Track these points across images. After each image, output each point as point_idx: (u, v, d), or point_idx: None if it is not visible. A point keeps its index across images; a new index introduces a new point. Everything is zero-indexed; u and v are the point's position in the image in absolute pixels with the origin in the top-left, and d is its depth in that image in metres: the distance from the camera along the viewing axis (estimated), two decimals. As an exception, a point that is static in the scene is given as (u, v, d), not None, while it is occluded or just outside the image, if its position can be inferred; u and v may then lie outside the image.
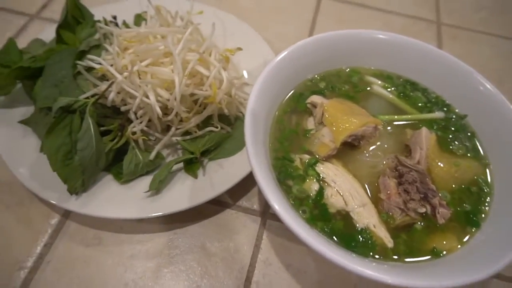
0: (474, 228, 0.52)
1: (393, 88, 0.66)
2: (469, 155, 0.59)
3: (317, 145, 0.57)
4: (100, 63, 0.64)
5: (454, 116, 0.63)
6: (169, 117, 0.61)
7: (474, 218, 0.53)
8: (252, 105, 0.53)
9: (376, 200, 0.53)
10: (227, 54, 0.67)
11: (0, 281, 0.56)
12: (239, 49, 0.69)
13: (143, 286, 0.57)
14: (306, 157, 0.56)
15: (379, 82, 0.66)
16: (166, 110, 0.62)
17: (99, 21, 0.73)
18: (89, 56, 0.64)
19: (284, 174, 0.54)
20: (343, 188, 0.53)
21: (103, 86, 0.63)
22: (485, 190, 0.55)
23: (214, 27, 0.68)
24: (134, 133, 0.62)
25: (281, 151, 0.57)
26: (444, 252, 0.49)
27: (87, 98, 0.63)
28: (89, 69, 0.66)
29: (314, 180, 0.54)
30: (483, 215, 0.53)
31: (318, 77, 0.65)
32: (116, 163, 0.63)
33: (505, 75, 0.91)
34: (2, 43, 0.80)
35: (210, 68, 0.64)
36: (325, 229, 0.50)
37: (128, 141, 0.63)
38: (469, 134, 0.61)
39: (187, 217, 0.63)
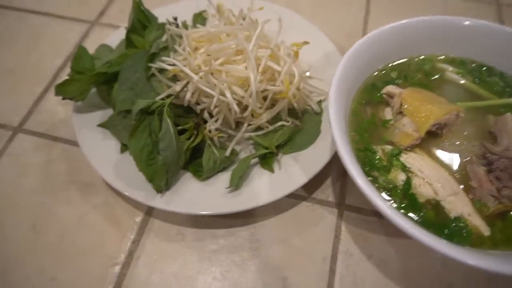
0: None
1: (467, 74, 0.64)
2: (557, 139, 0.57)
3: (398, 135, 0.57)
4: (173, 64, 0.65)
5: (537, 100, 0.61)
6: (245, 114, 0.62)
7: None
8: (333, 94, 0.53)
9: (466, 189, 0.52)
10: (296, 49, 0.67)
11: (97, 276, 0.59)
12: (306, 42, 0.69)
13: (231, 279, 0.59)
14: (388, 147, 0.56)
15: (452, 68, 0.65)
16: (240, 107, 0.63)
17: (164, 23, 0.74)
18: (163, 58, 0.66)
19: (369, 165, 0.54)
20: (431, 177, 0.52)
21: (178, 86, 0.64)
22: None
23: (281, 23, 0.68)
24: (210, 131, 0.64)
25: (362, 143, 0.57)
26: (544, 239, 0.48)
27: (163, 99, 0.64)
28: (161, 71, 0.67)
29: (400, 170, 0.54)
30: None
31: (390, 67, 0.65)
32: (192, 161, 0.65)
33: None
34: (68, 50, 0.83)
35: (280, 63, 0.64)
36: (417, 219, 0.50)
37: (204, 139, 0.65)
38: (554, 118, 0.59)
39: (265, 211, 0.64)
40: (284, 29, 0.82)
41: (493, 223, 0.50)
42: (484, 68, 0.65)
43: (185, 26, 0.79)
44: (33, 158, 0.72)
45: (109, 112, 0.70)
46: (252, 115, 0.66)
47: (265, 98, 0.67)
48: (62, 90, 0.66)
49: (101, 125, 0.68)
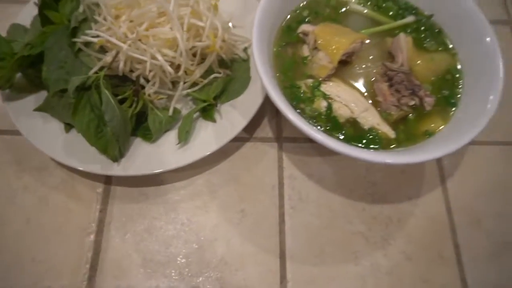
0: (453, 108, 0.64)
1: (367, 3, 0.73)
2: (440, 49, 0.69)
3: (316, 69, 0.65)
4: (98, 36, 0.66)
5: (422, 18, 0.72)
6: (179, 73, 0.67)
7: (452, 100, 0.65)
8: (255, 41, 0.59)
9: (375, 103, 0.63)
10: (214, 1, 0.70)
11: (74, 248, 0.64)
12: (222, -6, 0.72)
13: (197, 221, 0.67)
14: (310, 81, 0.64)
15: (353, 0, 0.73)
16: (173, 67, 0.67)
17: (77, -8, 0.73)
18: (86, 31, 0.66)
19: (296, 99, 0.63)
20: (347, 100, 0.62)
21: (108, 57, 0.66)
22: (457, 76, 0.67)
23: (194, -23, 0.70)
24: (149, 95, 0.68)
25: (287, 81, 0.65)
26: (432, 132, 0.62)
27: (96, 72, 0.66)
28: (87, 44, 0.68)
29: (322, 99, 0.63)
30: (458, 96, 0.65)
31: (301, 7, 0.71)
32: (139, 126, 0.69)
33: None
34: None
35: (203, 19, 0.68)
36: (339, 137, 0.61)
37: (146, 104, 0.68)
38: (436, 31, 0.71)
39: (215, 158, 0.72)
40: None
41: (397, 127, 0.62)
42: (380, -5, 0.74)
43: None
44: (-26, 155, 0.71)
45: (42, 94, 0.70)
46: (186, 72, 0.71)
47: (194, 55, 0.71)
48: (-14, 81, 0.64)
49: (38, 109, 0.68)
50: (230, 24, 0.79)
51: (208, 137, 0.69)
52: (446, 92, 0.65)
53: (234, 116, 0.71)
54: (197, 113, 0.71)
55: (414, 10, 0.72)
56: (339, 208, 0.70)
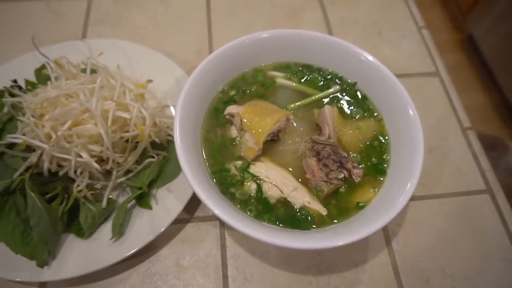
0: (382, 176, 0.65)
1: (294, 76, 0.75)
2: (365, 114, 0.71)
3: (244, 150, 0.65)
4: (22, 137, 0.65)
5: (347, 86, 0.74)
6: (108, 166, 0.66)
7: (380, 167, 0.66)
8: (178, 129, 0.60)
9: (304, 181, 0.64)
10: (141, 91, 0.71)
11: None
12: (150, 81, 0.73)
13: (138, 317, 0.64)
14: (239, 163, 0.65)
15: (281, 74, 0.75)
16: (99, 162, 0.66)
17: (2, 90, 0.72)
18: (9, 135, 0.65)
19: (225, 184, 0.63)
20: (276, 180, 0.63)
21: (33, 157, 0.65)
22: (383, 141, 0.68)
23: (120, 68, 0.71)
24: (80, 190, 0.66)
25: (217, 165, 0.65)
26: (364, 204, 0.62)
27: (22, 174, 0.65)
28: (11, 146, 0.67)
29: (251, 181, 0.63)
30: (386, 163, 0.66)
31: (228, 86, 0.73)
32: (73, 222, 0.67)
33: (383, 26, 1.05)
34: None
35: (130, 109, 0.68)
36: (272, 219, 0.60)
37: (77, 198, 0.67)
38: (360, 97, 0.73)
39: (155, 244, 0.70)
40: (134, 63, 0.85)
41: (329, 202, 0.62)
42: (305, 67, 0.76)
43: (31, 84, 0.78)
44: None
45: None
46: (120, 162, 0.70)
47: (128, 141, 0.71)
48: None
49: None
50: (169, 102, 0.80)
51: (144, 226, 0.67)
52: (375, 159, 0.67)
53: (170, 201, 0.70)
54: (133, 201, 0.70)
55: (339, 79, 0.75)
56: (285, 284, 0.68)
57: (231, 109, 0.68)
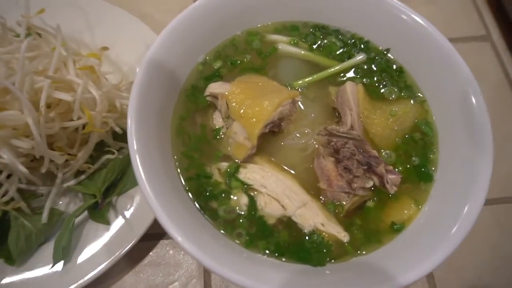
0: (428, 184, 0.46)
1: (302, 41, 0.55)
2: (402, 94, 0.51)
3: (232, 146, 0.46)
4: None
5: (376, 55, 0.53)
6: (43, 169, 0.48)
7: (424, 170, 0.47)
8: (133, 123, 0.41)
9: (317, 192, 0.45)
10: (92, 63, 0.51)
11: None
12: (105, 48, 0.54)
13: None
14: (224, 165, 0.46)
15: (285, 38, 0.55)
16: (34, 158, 0.48)
17: None
18: None
19: (204, 196, 0.44)
20: (276, 191, 0.44)
21: None
22: (428, 133, 0.49)
23: (60, 29, 0.52)
24: (7, 202, 0.48)
25: (193, 168, 0.46)
26: (402, 226, 0.43)
27: None
28: None
29: (241, 192, 0.44)
30: (432, 167, 0.47)
31: (211, 55, 0.53)
32: (1, 244, 0.50)
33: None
34: None
35: (74, 87, 0.49)
36: (270, 248, 0.42)
37: (7, 212, 0.49)
38: (396, 70, 0.53)
39: (115, 270, 0.53)
40: (94, 25, 0.66)
41: (352, 223, 0.44)
42: (318, 28, 0.55)
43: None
44: None
45: None
46: (67, 159, 0.52)
47: (77, 130, 0.52)
48: None
49: None
50: (130, 79, 0.60)
51: (98, 248, 0.50)
52: (416, 159, 0.47)
53: (134, 212, 0.52)
54: (86, 213, 0.52)
55: (364, 45, 0.54)
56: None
57: (215, 87, 0.48)
